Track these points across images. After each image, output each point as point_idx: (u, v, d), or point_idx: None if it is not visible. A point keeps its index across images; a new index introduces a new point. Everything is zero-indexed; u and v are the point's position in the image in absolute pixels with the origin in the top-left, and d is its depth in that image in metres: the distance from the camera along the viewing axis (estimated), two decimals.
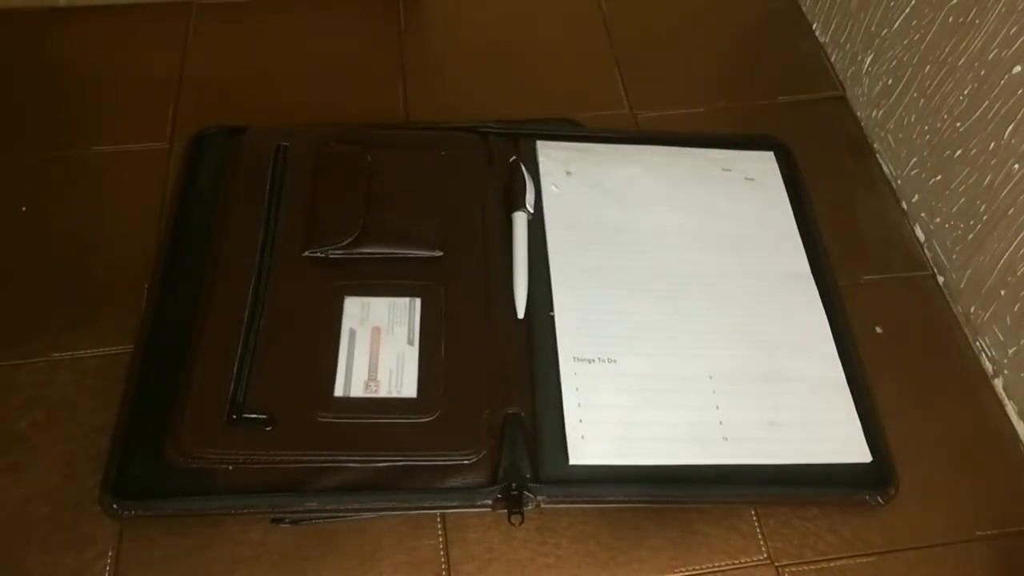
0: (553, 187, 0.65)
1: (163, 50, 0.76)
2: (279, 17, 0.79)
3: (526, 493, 0.51)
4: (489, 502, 0.51)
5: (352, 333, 0.56)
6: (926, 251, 0.66)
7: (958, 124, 0.61)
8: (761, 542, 0.52)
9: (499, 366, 0.56)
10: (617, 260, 0.62)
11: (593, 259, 0.62)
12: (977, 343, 0.61)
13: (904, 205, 0.68)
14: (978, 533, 0.53)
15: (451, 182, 0.64)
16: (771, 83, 0.76)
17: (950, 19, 0.60)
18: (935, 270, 0.65)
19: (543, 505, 0.51)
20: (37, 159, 0.68)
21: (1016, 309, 0.57)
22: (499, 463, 0.52)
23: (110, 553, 0.50)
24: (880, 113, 0.71)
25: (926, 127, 0.65)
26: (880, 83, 0.70)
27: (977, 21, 0.58)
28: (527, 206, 0.63)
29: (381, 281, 0.58)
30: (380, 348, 0.56)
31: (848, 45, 0.75)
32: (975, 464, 0.56)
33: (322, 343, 0.55)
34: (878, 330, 0.61)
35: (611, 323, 0.58)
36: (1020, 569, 0.52)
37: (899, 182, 0.69)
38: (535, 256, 0.61)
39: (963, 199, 0.61)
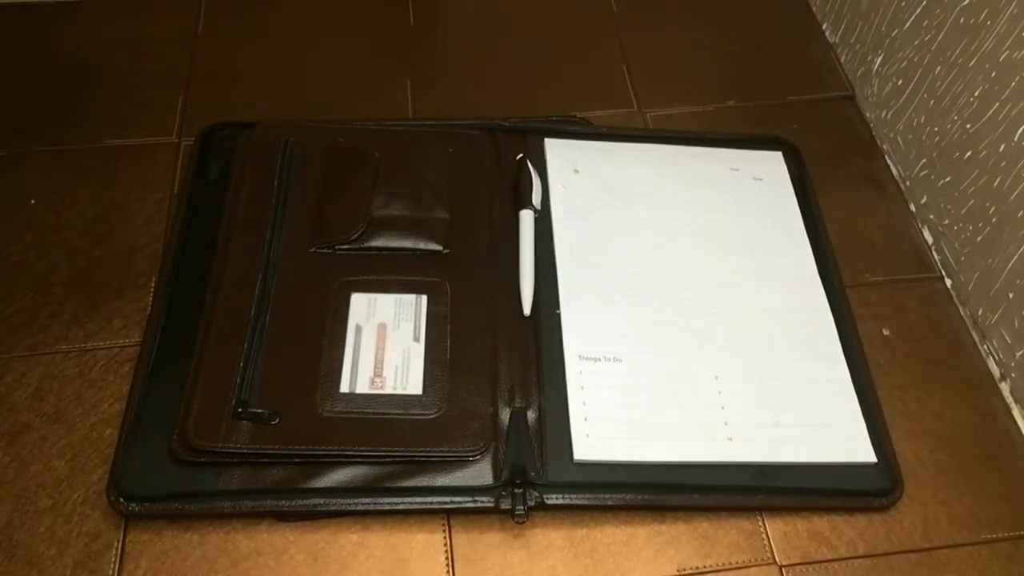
0: (560, 185, 0.65)
1: (173, 45, 0.76)
2: (288, 12, 0.80)
3: (530, 490, 0.51)
4: (493, 499, 0.51)
5: (358, 329, 0.56)
6: (934, 253, 0.66)
7: (968, 126, 0.61)
8: (765, 542, 0.52)
9: (505, 364, 0.56)
10: (624, 259, 0.62)
11: (600, 257, 0.62)
12: (985, 346, 0.61)
13: (912, 207, 0.68)
14: (984, 536, 0.53)
15: (458, 179, 0.64)
16: (780, 83, 0.76)
17: (961, 20, 0.60)
18: (943, 272, 0.65)
19: (547, 502, 0.51)
20: (46, 152, 0.68)
21: None
22: (504, 460, 0.52)
23: (115, 545, 0.50)
24: (889, 114, 0.70)
25: (936, 128, 0.64)
26: (890, 84, 0.70)
27: (988, 22, 0.57)
28: (534, 204, 0.63)
29: (387, 277, 0.59)
30: (386, 344, 0.56)
31: (858, 45, 0.74)
32: (981, 467, 0.56)
33: (328, 339, 0.55)
34: (885, 332, 0.61)
35: (617, 322, 0.58)
36: None
37: (908, 183, 0.69)
38: (542, 254, 0.61)
39: (972, 201, 0.61)
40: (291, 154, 0.64)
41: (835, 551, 0.52)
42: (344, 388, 0.54)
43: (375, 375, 0.54)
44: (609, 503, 0.52)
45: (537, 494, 0.51)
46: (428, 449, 0.52)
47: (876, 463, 0.54)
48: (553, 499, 0.51)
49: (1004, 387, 0.59)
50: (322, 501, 0.51)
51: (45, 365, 0.57)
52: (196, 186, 0.64)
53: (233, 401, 0.52)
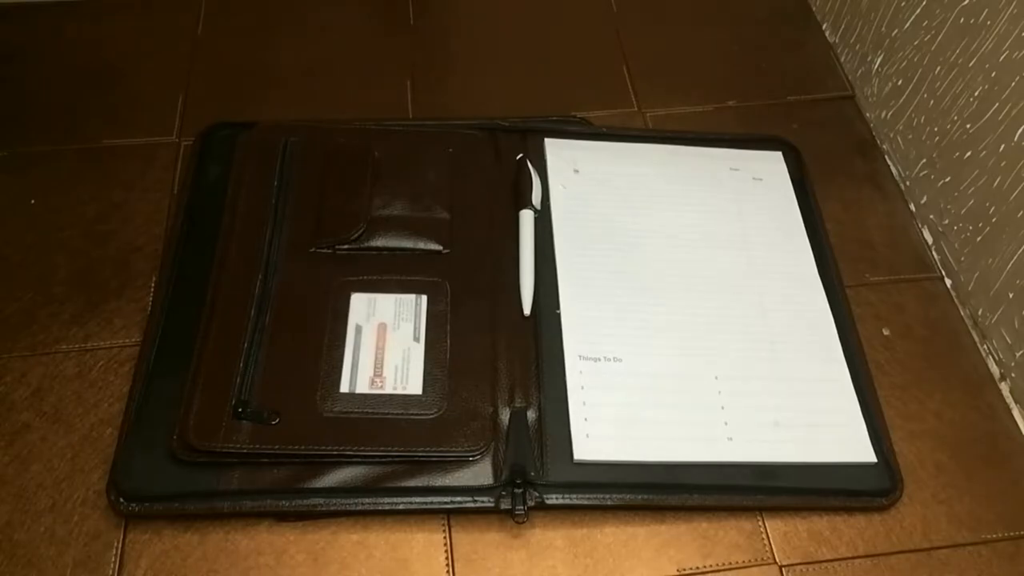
0: (560, 185, 0.65)
1: (173, 44, 0.76)
2: (288, 12, 0.80)
3: (530, 490, 0.51)
4: (493, 499, 0.51)
5: (358, 329, 0.56)
6: (934, 253, 0.66)
7: (968, 126, 0.61)
8: (765, 542, 0.52)
9: (505, 364, 0.56)
10: (624, 259, 0.62)
11: (600, 258, 0.62)
12: (984, 346, 0.61)
13: (912, 206, 0.68)
14: (984, 536, 0.53)
15: (458, 179, 0.64)
16: (780, 83, 0.76)
17: (961, 20, 0.60)
18: (943, 272, 0.65)
19: (547, 502, 0.51)
20: (46, 152, 0.68)
21: None
22: (504, 460, 0.52)
23: (115, 545, 0.50)
24: (889, 114, 0.70)
25: (935, 128, 0.64)
26: (890, 84, 0.70)
27: (988, 22, 0.57)
28: (534, 204, 0.63)
29: (387, 277, 0.59)
30: (386, 344, 0.56)
31: (858, 45, 0.74)
32: (981, 467, 0.56)
33: (328, 339, 0.55)
34: (885, 332, 0.61)
35: (617, 322, 0.58)
36: None
37: (908, 183, 0.69)
38: (542, 254, 0.61)
39: (972, 201, 0.61)
40: (291, 154, 0.64)
41: (835, 551, 0.52)
42: (344, 388, 0.54)
43: (375, 375, 0.54)
44: (609, 503, 0.52)
45: (537, 494, 0.51)
46: (428, 449, 0.52)
47: (876, 463, 0.54)
48: (553, 499, 0.51)
49: (1004, 387, 0.59)
50: (322, 501, 0.51)
51: (45, 365, 0.57)
52: (196, 186, 0.64)
53: (233, 401, 0.52)
